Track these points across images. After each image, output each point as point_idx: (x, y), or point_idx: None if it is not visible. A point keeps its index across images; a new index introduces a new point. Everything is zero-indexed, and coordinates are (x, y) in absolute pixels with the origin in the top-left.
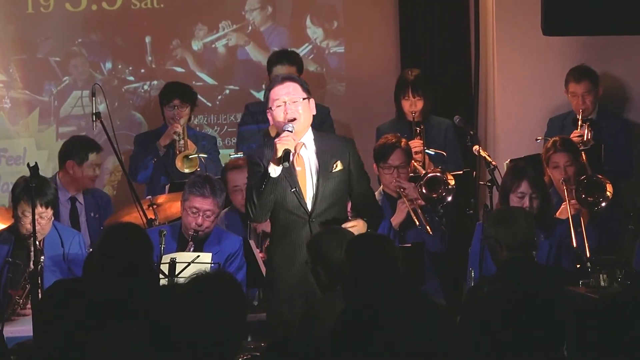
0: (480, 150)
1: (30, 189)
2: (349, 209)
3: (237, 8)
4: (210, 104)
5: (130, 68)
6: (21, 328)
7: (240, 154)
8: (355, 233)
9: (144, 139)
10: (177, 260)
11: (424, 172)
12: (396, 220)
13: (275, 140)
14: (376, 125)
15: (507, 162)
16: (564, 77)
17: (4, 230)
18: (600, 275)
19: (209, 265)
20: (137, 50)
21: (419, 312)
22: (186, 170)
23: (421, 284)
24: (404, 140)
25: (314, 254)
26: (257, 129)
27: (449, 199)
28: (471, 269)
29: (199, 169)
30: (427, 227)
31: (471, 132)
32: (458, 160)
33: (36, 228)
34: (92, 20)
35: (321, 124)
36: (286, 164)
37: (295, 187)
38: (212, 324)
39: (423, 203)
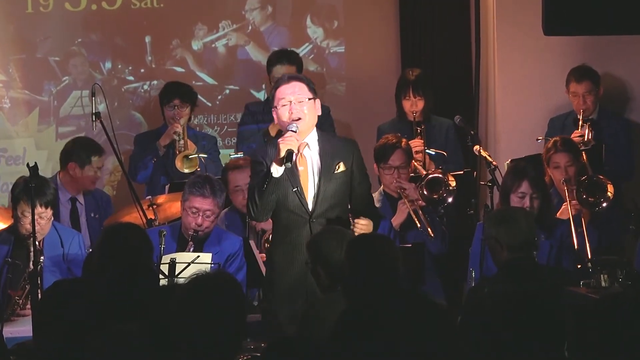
0: (481, 150)
1: (30, 189)
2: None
3: (237, 8)
4: (210, 104)
5: (130, 68)
6: (21, 328)
7: (240, 154)
8: (365, 232)
9: (143, 139)
10: (177, 261)
11: (424, 172)
12: (397, 220)
13: (279, 140)
14: (376, 125)
15: (507, 162)
16: (565, 77)
17: (3, 230)
18: (601, 276)
19: (209, 265)
20: (137, 50)
21: (419, 312)
22: (186, 170)
23: (421, 284)
24: (404, 140)
25: (314, 254)
26: (257, 128)
27: (450, 200)
28: (472, 269)
29: (199, 169)
30: (429, 230)
31: (472, 132)
32: (459, 160)
33: (36, 228)
34: (91, 20)
35: (321, 124)
36: (288, 164)
37: (297, 187)
38: (212, 324)
39: (424, 204)
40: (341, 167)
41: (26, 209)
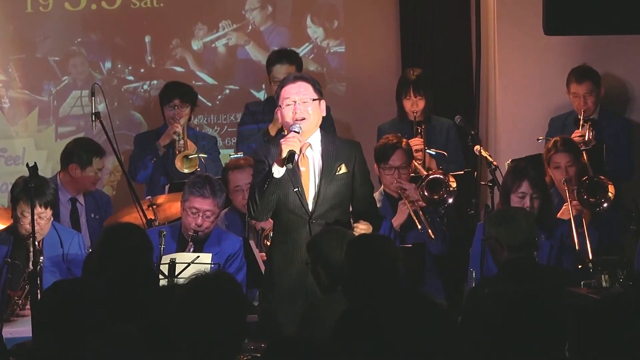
0: (482, 150)
1: (30, 189)
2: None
3: (237, 7)
4: (210, 104)
5: (130, 68)
6: (20, 329)
7: (240, 154)
8: None
9: (143, 139)
10: (177, 261)
11: (425, 172)
12: (397, 221)
13: (281, 140)
14: (376, 125)
15: (508, 162)
16: (565, 76)
17: (2, 230)
18: (602, 276)
19: (209, 265)
20: (137, 50)
21: (419, 312)
22: (185, 170)
23: (422, 284)
24: (404, 140)
25: (314, 254)
26: (257, 128)
27: (450, 200)
28: (472, 269)
29: (198, 169)
30: (429, 231)
31: (472, 132)
32: (460, 160)
33: (35, 228)
34: (91, 20)
35: (322, 124)
36: (290, 165)
37: (298, 188)
38: (212, 324)
39: (424, 204)
40: (342, 169)
41: (26, 209)
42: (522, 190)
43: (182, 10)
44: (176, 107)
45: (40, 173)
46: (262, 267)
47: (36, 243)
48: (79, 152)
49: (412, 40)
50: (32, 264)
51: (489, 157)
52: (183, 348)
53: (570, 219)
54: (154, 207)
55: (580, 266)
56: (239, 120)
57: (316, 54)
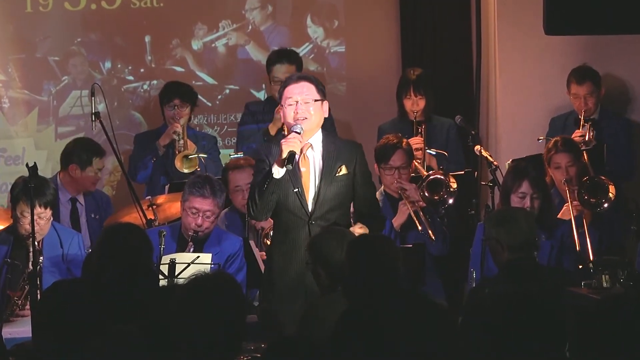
0: (482, 150)
1: (29, 189)
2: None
3: (237, 7)
4: (210, 104)
5: (130, 67)
6: (20, 329)
7: (240, 154)
8: None
9: (143, 139)
10: (176, 261)
11: (425, 173)
12: (397, 221)
13: (282, 141)
14: (377, 125)
15: (508, 162)
16: (566, 76)
17: (2, 230)
18: (603, 276)
19: (209, 266)
20: (137, 50)
21: (419, 312)
22: (185, 170)
23: (422, 284)
24: (405, 140)
25: (315, 255)
26: (257, 128)
27: (451, 201)
28: (472, 269)
29: (198, 169)
30: (430, 232)
31: (472, 132)
32: (460, 159)
33: (35, 228)
34: (91, 20)
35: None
36: (289, 166)
37: (298, 188)
38: (212, 324)
39: (424, 205)
40: (343, 170)
41: (25, 209)
42: (523, 191)
43: (182, 10)
44: (176, 107)
45: (40, 173)
46: (262, 267)
47: (36, 243)
48: (78, 152)
49: (413, 40)
50: (32, 264)
51: (489, 157)
52: (183, 348)
53: (571, 219)
54: (154, 207)
55: (580, 266)
56: (239, 120)
57: (316, 53)
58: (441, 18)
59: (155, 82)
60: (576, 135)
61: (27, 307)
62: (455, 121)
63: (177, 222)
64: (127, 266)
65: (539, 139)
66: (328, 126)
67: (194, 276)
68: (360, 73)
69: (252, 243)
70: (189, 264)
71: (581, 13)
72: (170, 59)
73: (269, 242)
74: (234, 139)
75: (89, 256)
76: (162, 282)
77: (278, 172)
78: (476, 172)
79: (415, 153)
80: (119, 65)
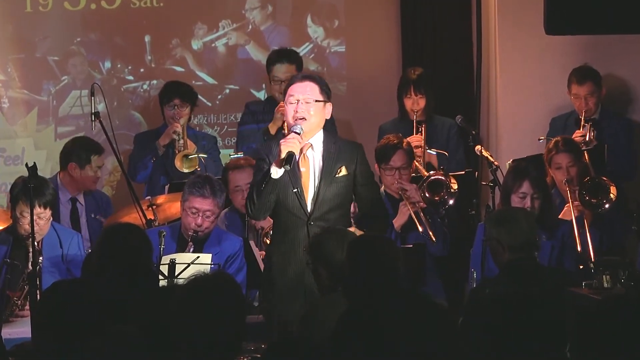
0: (483, 150)
1: (29, 189)
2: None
3: (237, 7)
4: (210, 104)
5: (130, 67)
6: (19, 329)
7: (240, 154)
8: None
9: (143, 139)
10: (176, 261)
11: (426, 173)
12: (398, 222)
13: (281, 141)
14: (377, 125)
15: (509, 162)
16: (567, 76)
17: (2, 230)
18: (604, 277)
19: (209, 266)
20: (137, 50)
21: (419, 312)
22: (185, 170)
23: (423, 285)
24: (405, 140)
25: (316, 254)
26: (257, 128)
27: (451, 202)
28: (473, 270)
29: (198, 169)
30: (430, 234)
31: (473, 132)
32: (461, 158)
33: (34, 229)
34: (91, 19)
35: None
36: (288, 167)
37: (297, 188)
38: (212, 324)
39: (425, 205)
40: (343, 171)
41: (25, 209)
42: (523, 191)
43: (182, 10)
44: (176, 107)
45: (39, 173)
46: (262, 267)
47: (35, 243)
48: (77, 151)
49: (413, 39)
50: (32, 265)
51: (489, 157)
52: (183, 348)
53: (572, 219)
54: (154, 207)
55: (581, 267)
56: (239, 120)
57: (316, 53)
58: (441, 18)
59: (155, 82)
60: (577, 135)
61: (27, 307)
62: (456, 121)
63: (177, 222)
64: (127, 266)
65: (539, 139)
66: (329, 127)
67: (193, 276)
68: (361, 73)
69: (252, 243)
70: (188, 264)
71: (582, 13)
72: (170, 59)
73: (268, 242)
74: (234, 139)
75: (88, 256)
76: (162, 282)
77: (276, 172)
78: (477, 172)
79: (415, 150)
80: (119, 65)
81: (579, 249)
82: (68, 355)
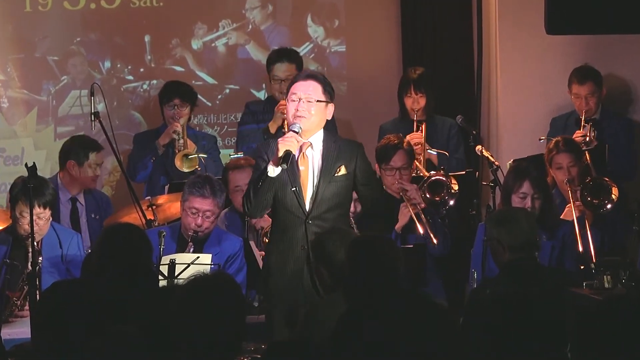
0: (483, 150)
1: (28, 189)
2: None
3: (237, 7)
4: (210, 104)
5: (130, 67)
6: (19, 330)
7: (240, 154)
8: None
9: (143, 139)
10: (176, 262)
11: (426, 173)
12: (399, 223)
13: (279, 139)
14: (377, 124)
15: (510, 162)
16: (567, 76)
17: (1, 231)
18: (604, 277)
19: (209, 266)
20: (137, 50)
21: (419, 312)
22: (185, 170)
23: (423, 285)
24: (406, 141)
25: (318, 254)
26: (257, 128)
27: (452, 202)
28: (473, 270)
29: (198, 169)
30: (431, 235)
31: (473, 132)
32: (462, 156)
33: (34, 229)
34: (90, 19)
35: None
36: (284, 165)
37: (296, 187)
38: (211, 325)
39: (425, 206)
40: (342, 171)
41: (24, 210)
42: (523, 191)
43: (182, 10)
44: (176, 107)
45: (39, 173)
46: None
47: (35, 243)
48: (75, 149)
49: (413, 39)
50: (31, 265)
51: (490, 157)
52: (183, 348)
53: (573, 219)
54: (154, 207)
55: (582, 267)
56: (239, 120)
57: (317, 53)
58: (442, 18)
59: (155, 81)
60: (577, 135)
61: (26, 307)
62: (456, 121)
63: (177, 222)
64: (127, 266)
65: (540, 139)
66: (330, 126)
67: (193, 277)
68: (361, 73)
69: (252, 243)
70: (188, 265)
71: (582, 13)
72: (170, 59)
73: (267, 241)
74: (234, 139)
75: (88, 256)
76: (162, 283)
77: (273, 170)
78: (477, 172)
79: (414, 148)
80: (119, 65)
81: (580, 249)
82: (68, 355)
